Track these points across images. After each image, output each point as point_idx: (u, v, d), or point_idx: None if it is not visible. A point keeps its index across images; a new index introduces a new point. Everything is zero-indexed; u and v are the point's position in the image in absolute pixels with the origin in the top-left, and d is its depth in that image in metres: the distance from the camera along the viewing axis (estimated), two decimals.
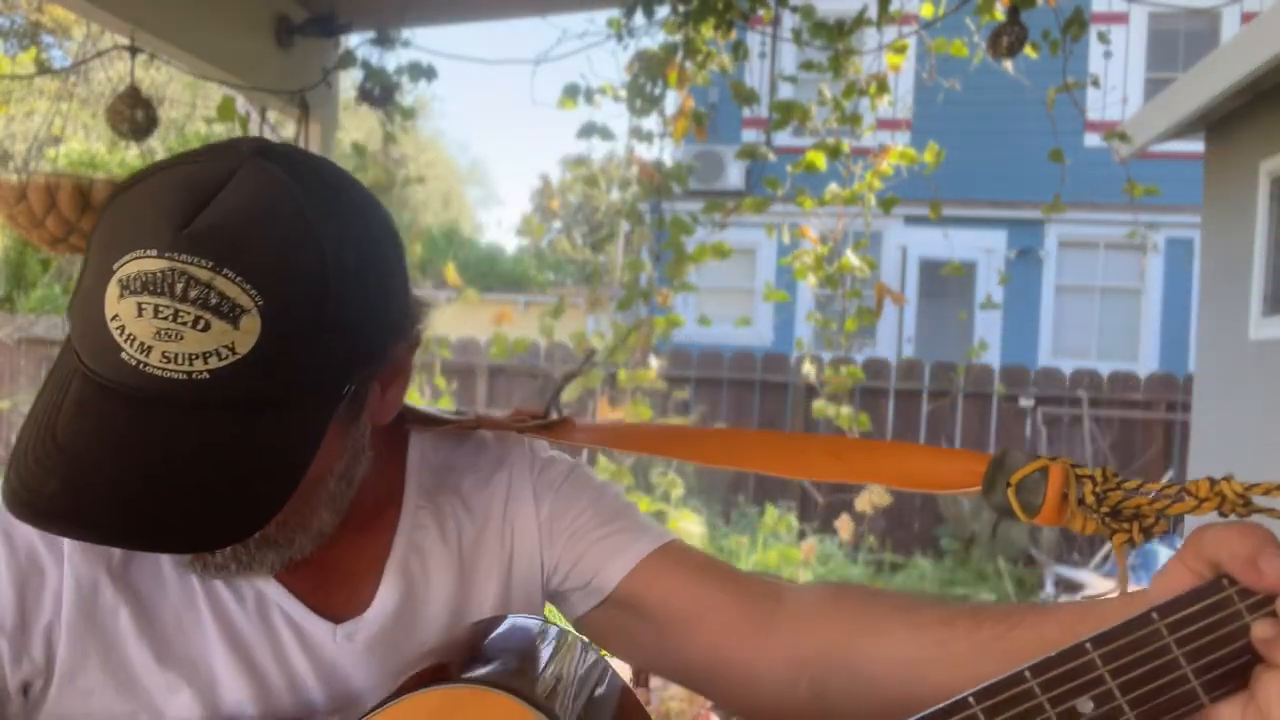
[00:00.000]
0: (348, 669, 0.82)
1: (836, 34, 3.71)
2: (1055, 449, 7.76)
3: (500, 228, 46.34)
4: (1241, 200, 5.48)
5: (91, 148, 10.80)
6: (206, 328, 0.61)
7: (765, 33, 3.96)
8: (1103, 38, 4.20)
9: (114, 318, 0.62)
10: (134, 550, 0.74)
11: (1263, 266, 5.25)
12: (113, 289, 0.62)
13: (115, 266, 0.62)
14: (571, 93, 3.56)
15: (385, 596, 0.84)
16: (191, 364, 0.61)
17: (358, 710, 0.75)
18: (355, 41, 3.51)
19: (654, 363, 3.96)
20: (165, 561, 0.78)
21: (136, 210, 0.65)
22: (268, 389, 0.64)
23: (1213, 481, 0.65)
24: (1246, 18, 7.19)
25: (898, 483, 0.84)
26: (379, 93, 3.43)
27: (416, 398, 3.82)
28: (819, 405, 4.16)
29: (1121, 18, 9.74)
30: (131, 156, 10.60)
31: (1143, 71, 10.37)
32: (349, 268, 0.67)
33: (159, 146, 11.13)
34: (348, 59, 3.46)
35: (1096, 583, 6.56)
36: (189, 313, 0.61)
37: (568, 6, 3.64)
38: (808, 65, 4.13)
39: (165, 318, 0.61)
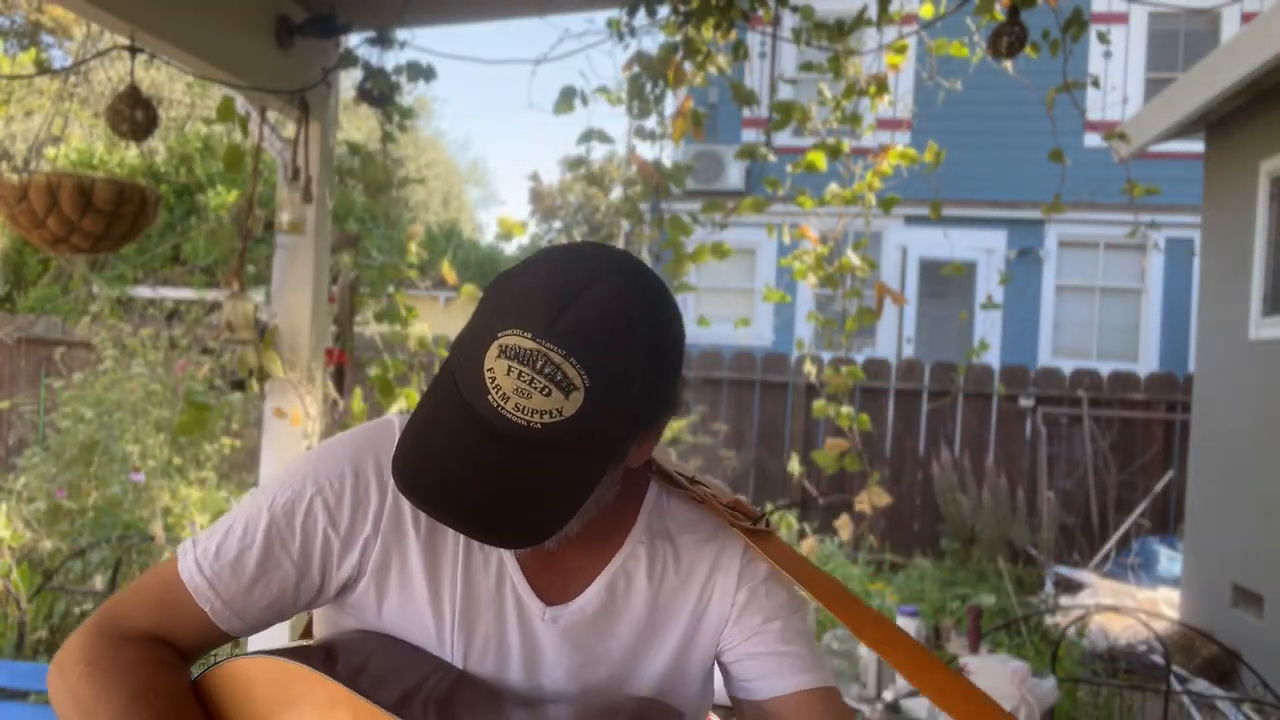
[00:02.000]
0: (544, 645, 1.06)
1: (836, 34, 3.71)
2: (1055, 449, 7.76)
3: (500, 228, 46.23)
4: (1241, 200, 5.48)
5: (91, 147, 10.79)
6: (548, 394, 0.86)
7: (765, 33, 3.96)
8: (1103, 38, 4.19)
9: (489, 370, 0.88)
10: (467, 535, 0.94)
11: (1263, 266, 5.26)
12: (493, 349, 0.88)
13: (499, 334, 0.88)
14: (569, 96, 3.55)
15: (590, 596, 1.07)
16: (531, 416, 0.87)
17: (542, 677, 1.06)
18: (355, 41, 3.51)
19: None
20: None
21: (521, 296, 0.90)
22: (578, 441, 0.89)
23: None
24: (1246, 18, 7.20)
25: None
26: (379, 93, 3.43)
27: (417, 399, 3.82)
28: (819, 405, 4.16)
29: (1121, 18, 9.74)
30: (131, 156, 10.60)
31: (1143, 71, 10.37)
32: (655, 368, 0.93)
33: (159, 146, 11.14)
34: (347, 59, 3.46)
35: (1096, 582, 6.56)
36: (540, 381, 0.86)
37: (568, 6, 3.64)
38: (807, 65, 4.12)
39: (524, 381, 0.86)
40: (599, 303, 0.90)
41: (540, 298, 0.89)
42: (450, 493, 0.89)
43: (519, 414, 0.87)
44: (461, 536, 1.04)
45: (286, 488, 1.05)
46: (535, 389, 0.86)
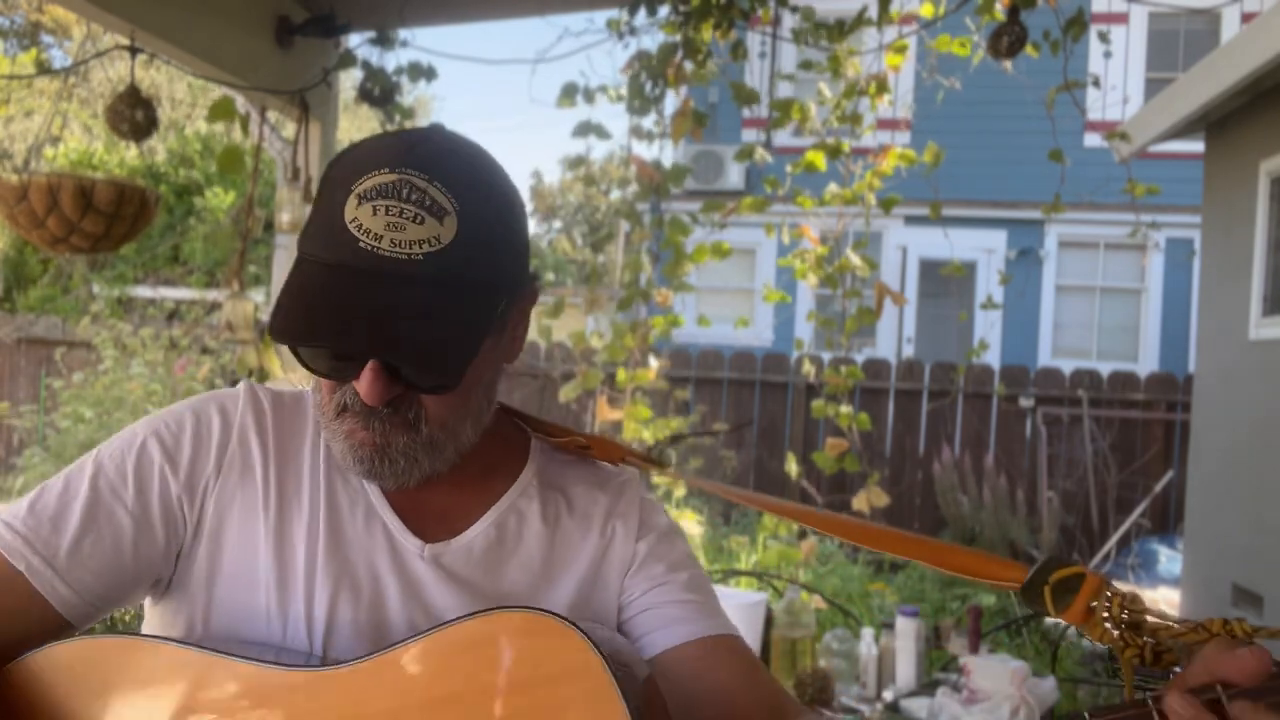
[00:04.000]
0: (427, 588, 0.96)
1: (836, 34, 3.71)
2: (1055, 449, 7.76)
3: None
4: (1241, 200, 5.48)
5: (91, 148, 10.79)
6: (421, 222, 0.84)
7: (765, 33, 3.96)
8: (1103, 38, 4.20)
9: (353, 220, 0.84)
10: (375, 357, 0.87)
11: (1263, 266, 5.25)
12: (352, 201, 0.85)
13: (354, 186, 0.85)
14: (570, 92, 3.56)
15: (476, 533, 1.00)
16: (410, 248, 0.83)
17: (426, 618, 0.94)
18: (355, 41, 3.51)
19: (654, 363, 3.96)
20: (305, 466, 0.98)
21: (365, 153, 0.89)
22: (460, 274, 0.86)
23: (1226, 621, 0.74)
24: (1246, 18, 7.20)
25: (957, 571, 0.93)
26: (379, 93, 3.43)
27: None
28: (818, 405, 4.16)
29: (1121, 18, 9.74)
30: (131, 156, 10.61)
31: (1143, 71, 10.37)
32: (513, 204, 0.93)
33: (159, 146, 11.15)
34: (348, 59, 3.46)
35: None
36: (410, 210, 0.84)
37: (568, 6, 3.64)
38: (807, 65, 4.13)
39: (393, 214, 0.84)
40: (449, 139, 0.92)
41: (388, 144, 0.89)
42: (351, 326, 0.84)
43: (396, 248, 0.83)
44: (321, 480, 0.98)
45: (114, 440, 0.97)
46: (406, 219, 0.84)
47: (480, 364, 0.91)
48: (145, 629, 1.00)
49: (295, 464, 0.99)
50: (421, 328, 0.85)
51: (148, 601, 1.00)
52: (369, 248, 0.83)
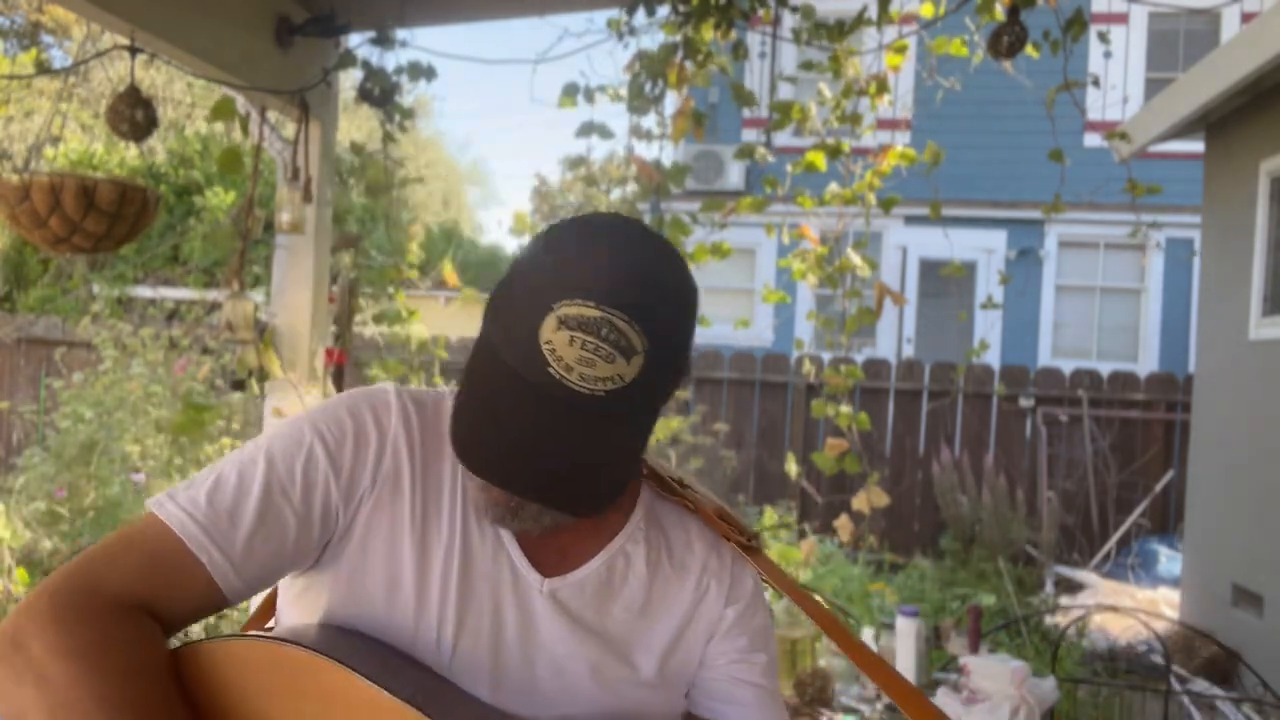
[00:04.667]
0: (542, 621, 1.02)
1: (836, 34, 3.71)
2: (1055, 449, 7.76)
3: (500, 228, 46.30)
4: (1241, 200, 5.48)
5: (91, 148, 10.79)
6: (612, 360, 0.87)
7: (765, 33, 3.96)
8: (1103, 38, 4.20)
9: (547, 342, 0.87)
10: (543, 505, 0.93)
11: (1263, 266, 5.25)
12: (550, 321, 0.87)
13: (555, 306, 0.87)
14: (571, 92, 3.55)
15: (589, 571, 1.05)
16: (595, 384, 0.87)
17: (536, 653, 1.01)
18: (355, 41, 3.51)
19: None
20: (445, 488, 1.03)
21: (572, 267, 0.89)
22: (634, 407, 0.91)
23: None
24: (1246, 18, 7.20)
25: None
26: (379, 93, 3.43)
27: None
28: (818, 405, 4.15)
29: (1121, 18, 9.73)
30: (131, 156, 10.60)
31: (1143, 71, 10.36)
32: (693, 323, 0.97)
33: (159, 146, 11.14)
34: (348, 59, 3.46)
35: (1096, 582, 6.56)
36: (605, 349, 0.87)
37: (568, 6, 3.64)
38: (807, 65, 4.12)
39: (589, 350, 0.86)
40: (647, 266, 0.91)
41: (593, 267, 0.89)
42: (522, 465, 0.88)
43: (584, 383, 0.87)
44: (459, 504, 1.02)
45: (282, 437, 1.00)
46: (599, 356, 0.86)
47: None
48: (280, 599, 1.08)
49: (438, 486, 1.03)
50: (596, 468, 0.91)
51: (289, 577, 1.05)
52: (558, 376, 0.87)
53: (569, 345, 0.86)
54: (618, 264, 0.90)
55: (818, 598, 3.43)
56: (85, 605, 0.88)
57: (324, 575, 1.01)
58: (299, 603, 1.04)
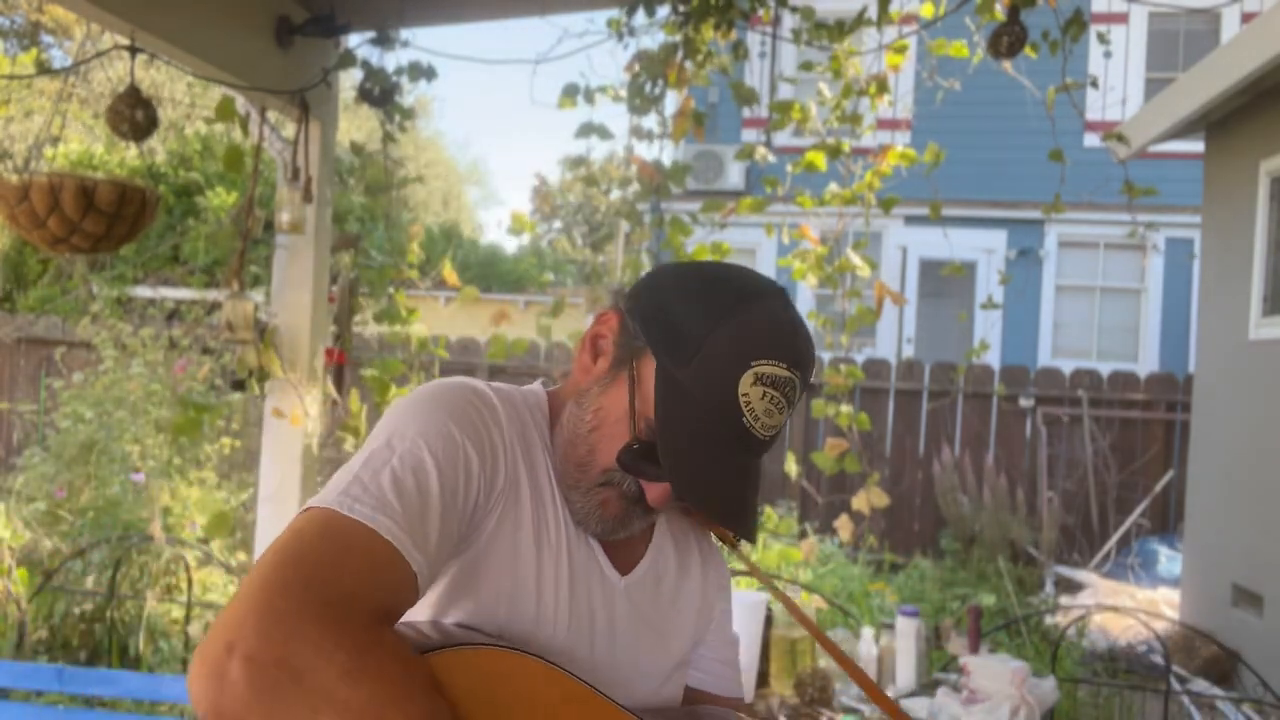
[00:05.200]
0: (619, 613, 1.13)
1: (836, 34, 3.71)
2: (1055, 449, 7.76)
3: (500, 228, 46.31)
4: (1241, 200, 5.48)
5: (91, 148, 10.79)
6: (783, 412, 1.03)
7: (765, 33, 3.96)
8: (1102, 38, 4.20)
9: (744, 395, 1.00)
10: (746, 538, 1.06)
11: (1263, 266, 5.26)
12: (749, 377, 1.00)
13: (754, 364, 1.00)
14: (571, 93, 3.56)
15: (645, 566, 1.17)
16: (769, 432, 1.03)
17: (615, 643, 1.11)
18: (355, 41, 3.51)
19: None
20: (546, 491, 1.09)
21: (772, 334, 1.03)
22: (773, 442, 1.06)
23: None
24: (1246, 18, 7.20)
25: None
26: (379, 93, 3.43)
27: None
28: (818, 405, 4.16)
29: (1121, 18, 9.73)
30: (131, 156, 10.60)
31: (1143, 71, 10.36)
32: None
33: (159, 147, 11.14)
34: (348, 59, 3.46)
35: (1096, 582, 6.56)
36: (784, 404, 1.02)
37: (568, 6, 3.64)
38: (808, 65, 4.12)
39: (774, 405, 1.01)
40: (805, 330, 1.07)
41: (788, 334, 1.04)
42: (734, 506, 1.03)
43: (765, 432, 1.02)
44: (560, 507, 1.10)
45: (435, 435, 0.99)
46: (778, 409, 1.01)
47: None
48: None
49: (540, 488, 1.09)
50: (755, 500, 1.05)
51: None
52: (749, 425, 1.00)
53: (762, 399, 1.00)
54: (798, 331, 1.05)
55: (811, 597, 3.39)
56: (347, 620, 0.82)
57: (459, 563, 1.03)
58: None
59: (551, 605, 1.06)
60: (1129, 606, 5.32)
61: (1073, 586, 6.63)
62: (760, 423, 1.01)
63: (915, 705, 2.59)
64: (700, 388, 1.01)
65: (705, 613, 1.24)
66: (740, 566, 1.33)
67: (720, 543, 1.27)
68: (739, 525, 1.03)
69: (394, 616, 0.90)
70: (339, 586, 0.84)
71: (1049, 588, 6.60)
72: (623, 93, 3.57)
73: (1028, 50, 3.24)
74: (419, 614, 1.02)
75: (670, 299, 1.06)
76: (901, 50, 3.85)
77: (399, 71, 3.47)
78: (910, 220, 9.90)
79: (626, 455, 1.04)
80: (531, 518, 1.07)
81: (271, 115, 3.30)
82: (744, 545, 1.36)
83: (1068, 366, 8.23)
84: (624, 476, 1.05)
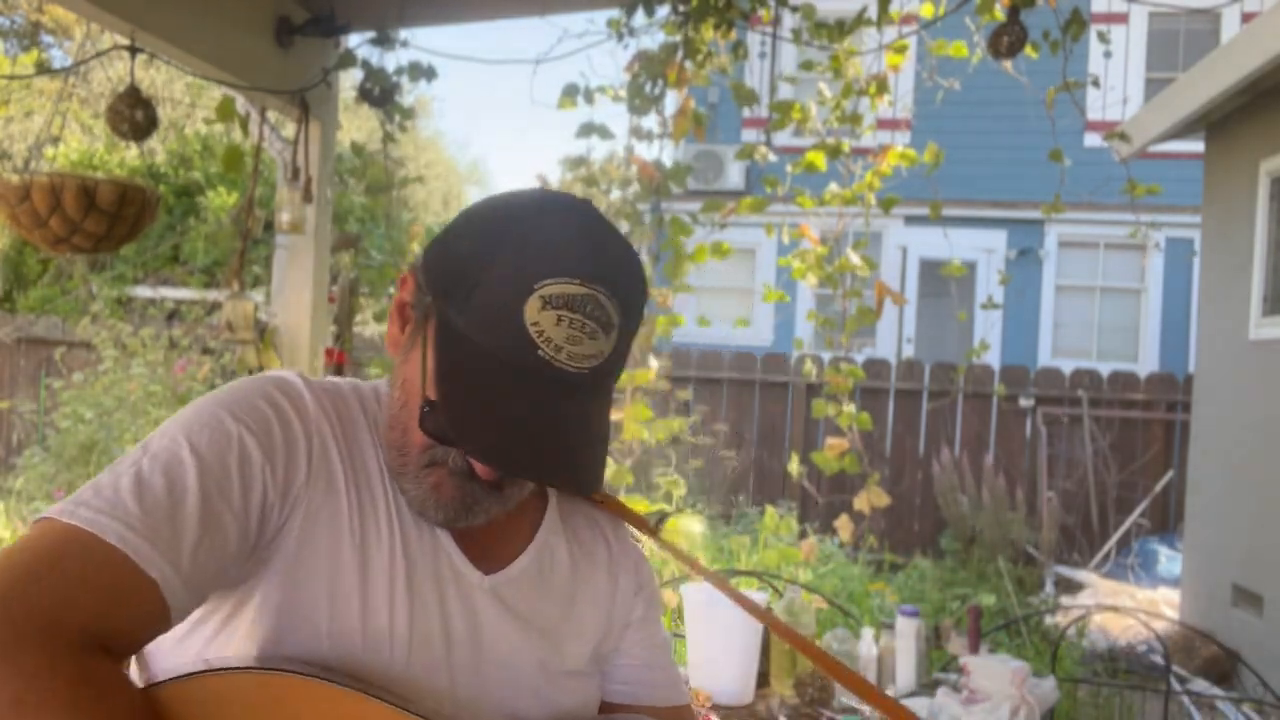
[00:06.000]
0: (487, 618, 0.99)
1: (836, 34, 3.71)
2: (1055, 449, 7.76)
3: None
4: (1241, 200, 5.48)
5: (92, 148, 10.79)
6: (595, 337, 0.86)
7: (765, 33, 3.96)
8: (1103, 38, 4.20)
9: (534, 324, 0.84)
10: (546, 485, 0.97)
11: (1263, 266, 5.26)
12: (535, 301, 0.84)
13: (537, 286, 0.84)
14: (571, 93, 3.56)
15: (525, 563, 1.03)
16: (581, 363, 0.85)
17: (485, 653, 0.97)
18: (355, 41, 3.51)
19: (654, 363, 3.96)
20: (376, 484, 0.96)
21: (550, 246, 0.87)
22: (608, 380, 0.90)
23: None
24: (1246, 18, 7.20)
25: None
26: (379, 93, 3.43)
27: None
28: (819, 405, 4.16)
29: (1121, 18, 9.73)
30: (131, 156, 10.60)
31: (1143, 71, 10.37)
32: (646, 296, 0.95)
33: (159, 147, 11.14)
34: (348, 59, 3.46)
35: (1096, 582, 6.56)
36: (590, 326, 0.85)
37: (568, 6, 3.64)
38: (808, 65, 4.13)
39: (575, 328, 0.85)
40: (612, 240, 0.91)
41: (576, 245, 0.88)
42: (524, 450, 0.85)
43: (572, 363, 0.85)
44: (393, 501, 0.95)
45: (202, 427, 0.87)
46: (585, 334, 0.85)
47: None
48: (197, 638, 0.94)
49: (369, 482, 0.96)
50: (584, 447, 0.88)
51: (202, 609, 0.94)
52: (547, 358, 0.84)
53: (556, 325, 0.84)
54: (590, 239, 0.89)
55: (811, 597, 3.39)
56: (42, 646, 0.70)
57: (252, 589, 0.88)
58: (206, 629, 0.90)
59: (385, 611, 0.91)
60: (1129, 606, 5.33)
61: (1073, 586, 6.63)
62: (566, 353, 0.84)
63: (915, 705, 2.59)
64: (480, 328, 0.85)
65: (617, 615, 1.09)
66: (744, 570, 1.23)
67: (639, 533, 1.14)
68: (554, 476, 0.90)
69: (121, 635, 0.76)
70: (32, 603, 0.72)
71: (1049, 588, 6.60)
72: (623, 93, 3.57)
73: (1028, 50, 3.24)
74: (238, 644, 0.87)
75: (450, 239, 0.93)
76: (901, 50, 3.86)
77: (399, 71, 3.47)
78: (910, 220, 9.91)
79: (425, 421, 0.87)
80: (352, 518, 0.92)
81: (271, 115, 3.30)
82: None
83: (1068, 366, 8.23)
84: (446, 451, 0.90)
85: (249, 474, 0.86)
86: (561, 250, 0.87)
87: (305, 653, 0.88)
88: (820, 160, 3.91)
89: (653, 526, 1.13)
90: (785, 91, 4.45)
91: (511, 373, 0.85)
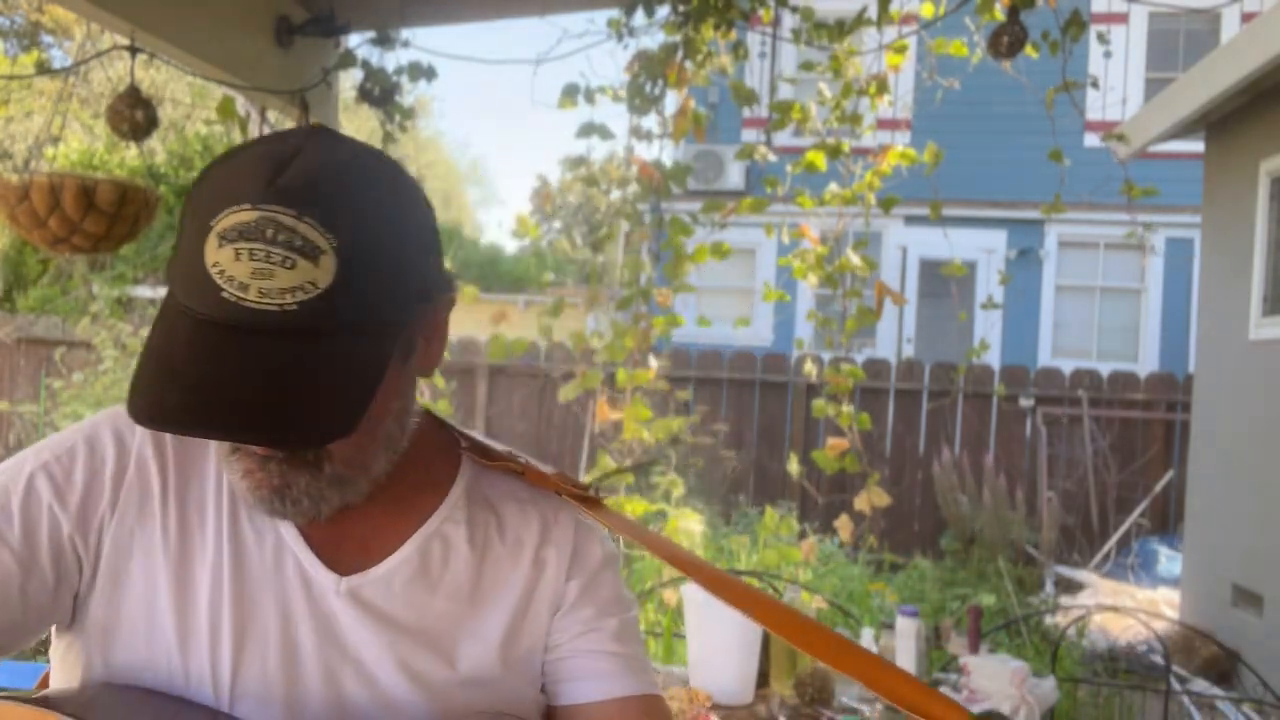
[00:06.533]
0: (344, 626, 0.88)
1: (836, 34, 3.72)
2: (1055, 449, 7.76)
3: (500, 228, 46.36)
4: (1241, 200, 5.48)
5: (92, 148, 10.80)
6: (293, 266, 0.72)
7: (765, 33, 3.96)
8: (1102, 38, 4.20)
9: (214, 264, 0.73)
10: (247, 443, 0.80)
11: (1263, 266, 5.26)
12: (212, 241, 0.73)
13: (213, 223, 0.74)
14: (571, 93, 3.56)
15: (398, 562, 0.91)
16: (282, 298, 0.72)
17: (342, 668, 0.87)
18: (355, 41, 3.51)
19: (654, 363, 3.96)
20: (209, 498, 0.89)
21: (225, 179, 0.77)
22: (344, 318, 0.75)
23: None
24: (1246, 18, 7.20)
25: (881, 693, 0.85)
26: (379, 93, 3.43)
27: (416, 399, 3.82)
28: (819, 405, 4.16)
29: (1121, 18, 9.74)
30: (131, 156, 10.61)
31: (1143, 71, 10.37)
32: (404, 215, 0.81)
33: (159, 147, 11.15)
34: (348, 59, 3.46)
35: (1096, 582, 6.56)
36: (278, 254, 0.72)
37: (568, 6, 3.64)
38: (808, 65, 4.13)
39: (259, 259, 0.72)
40: (319, 158, 0.78)
41: (250, 168, 0.76)
42: (211, 408, 0.73)
43: (267, 299, 0.72)
44: (225, 512, 0.88)
45: (3, 470, 0.88)
46: (275, 264, 0.72)
47: (385, 395, 0.81)
48: (52, 663, 0.93)
49: (198, 495, 0.89)
50: (305, 392, 0.74)
51: (54, 637, 0.92)
52: (234, 299, 0.72)
53: (236, 261, 0.72)
54: (272, 159, 0.76)
55: (812, 597, 3.37)
56: None
57: (83, 625, 0.87)
58: (63, 666, 0.90)
59: (206, 634, 0.85)
60: (1129, 606, 5.33)
61: (1073, 586, 6.63)
62: (256, 289, 0.72)
63: None
64: (179, 286, 0.76)
65: (541, 604, 0.95)
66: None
67: (578, 506, 0.99)
68: (237, 430, 0.75)
69: None
70: None
71: (1049, 588, 6.60)
72: (623, 93, 3.57)
73: (1028, 50, 3.24)
74: (81, 672, 0.87)
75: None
76: (901, 50, 3.86)
77: (399, 71, 3.47)
78: (910, 220, 9.91)
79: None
80: (167, 536, 0.87)
81: (271, 115, 3.30)
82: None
83: (1068, 366, 8.23)
84: None
85: (34, 513, 0.84)
86: (237, 179, 0.76)
87: (135, 682, 0.86)
88: (820, 160, 3.91)
89: (591, 495, 0.98)
90: (785, 91, 4.46)
91: (191, 324, 0.74)
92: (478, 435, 1.02)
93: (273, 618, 0.87)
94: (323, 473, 0.83)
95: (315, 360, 0.75)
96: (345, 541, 0.90)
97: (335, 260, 0.73)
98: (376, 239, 0.77)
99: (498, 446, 1.01)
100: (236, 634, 0.86)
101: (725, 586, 0.92)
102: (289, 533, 0.89)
